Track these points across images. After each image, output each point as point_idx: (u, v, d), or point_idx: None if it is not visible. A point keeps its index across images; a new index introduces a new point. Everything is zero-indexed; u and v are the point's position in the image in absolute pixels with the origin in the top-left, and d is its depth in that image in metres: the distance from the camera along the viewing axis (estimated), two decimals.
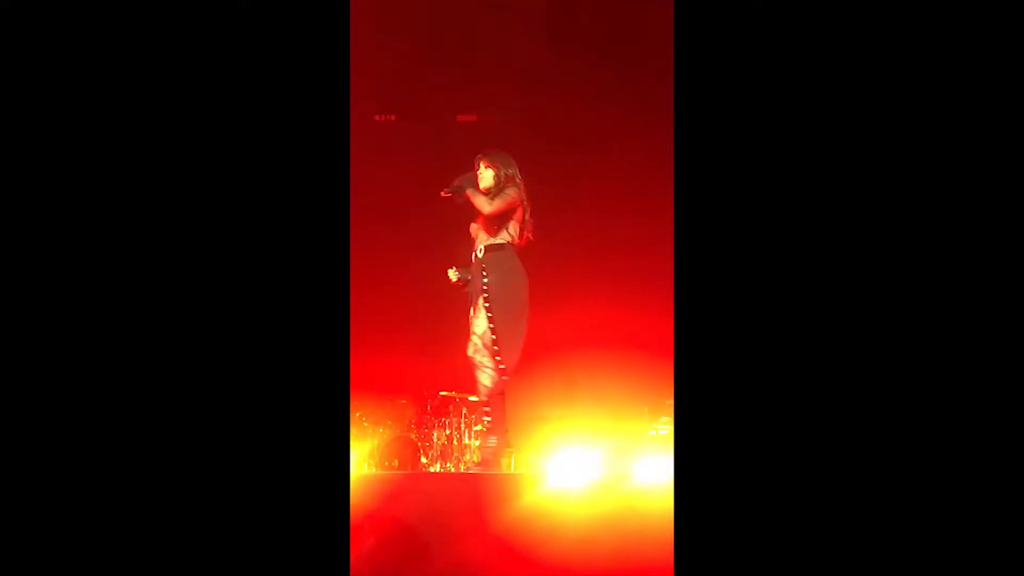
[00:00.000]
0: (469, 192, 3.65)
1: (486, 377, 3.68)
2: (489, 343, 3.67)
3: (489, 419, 3.73)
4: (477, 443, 4.90)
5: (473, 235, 3.83)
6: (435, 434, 5.05)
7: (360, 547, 2.45)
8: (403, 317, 5.64)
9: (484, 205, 3.62)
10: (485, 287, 3.71)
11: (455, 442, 5.03)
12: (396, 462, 3.96)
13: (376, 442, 5.16)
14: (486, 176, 3.73)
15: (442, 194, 3.74)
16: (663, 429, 4.94)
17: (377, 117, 5.43)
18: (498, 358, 3.65)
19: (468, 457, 4.87)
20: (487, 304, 3.69)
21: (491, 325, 3.66)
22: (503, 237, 3.73)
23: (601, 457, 4.24)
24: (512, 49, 6.32)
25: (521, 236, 3.78)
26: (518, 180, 3.73)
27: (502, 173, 3.71)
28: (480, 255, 3.77)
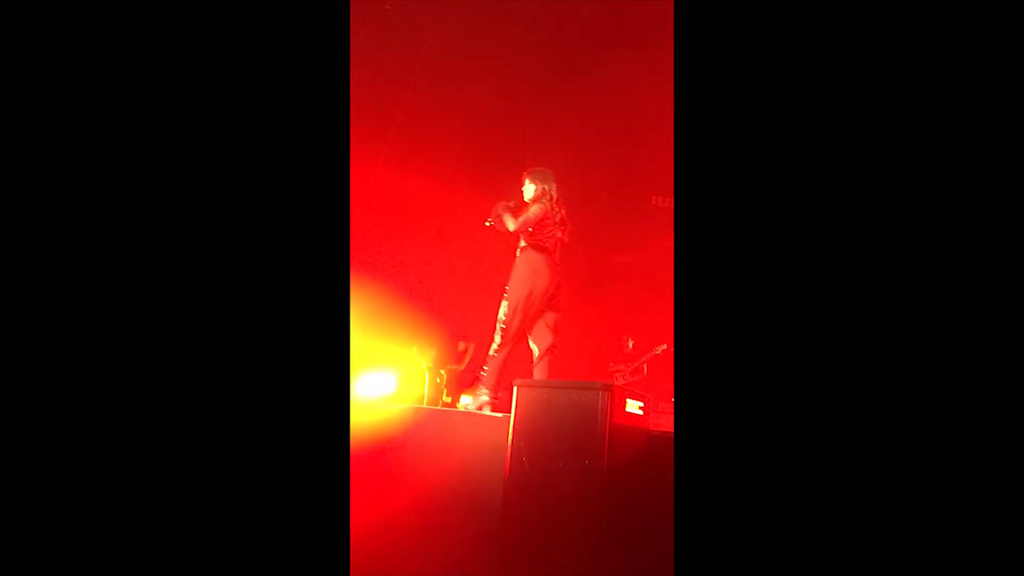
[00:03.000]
0: (502, 216, 4.31)
1: (492, 348, 4.28)
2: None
3: (485, 373, 4.29)
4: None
5: None
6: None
7: None
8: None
9: (508, 225, 4.28)
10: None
11: None
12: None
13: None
14: (529, 189, 4.47)
15: (485, 224, 4.44)
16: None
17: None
18: (497, 337, 4.25)
19: None
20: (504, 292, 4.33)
21: (500, 308, 4.30)
22: (524, 241, 4.38)
23: None
24: (513, 49, 6.34)
25: (547, 240, 4.36)
26: (552, 194, 4.41)
27: (540, 187, 4.41)
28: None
